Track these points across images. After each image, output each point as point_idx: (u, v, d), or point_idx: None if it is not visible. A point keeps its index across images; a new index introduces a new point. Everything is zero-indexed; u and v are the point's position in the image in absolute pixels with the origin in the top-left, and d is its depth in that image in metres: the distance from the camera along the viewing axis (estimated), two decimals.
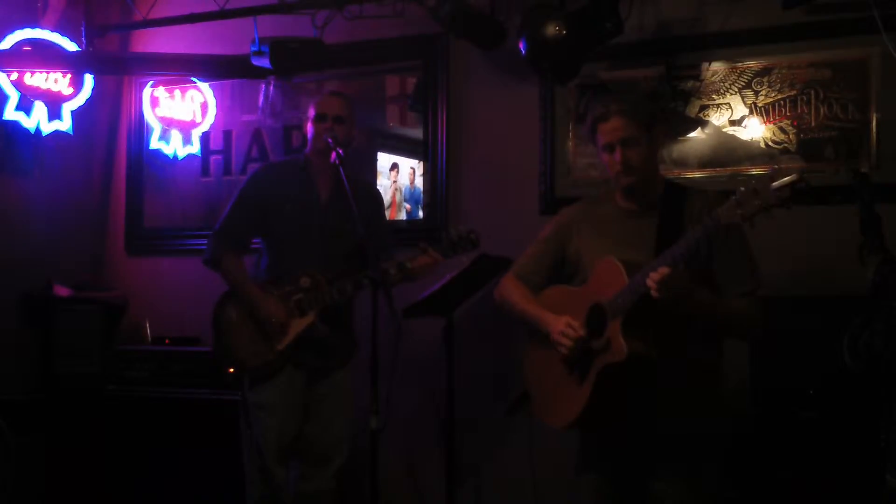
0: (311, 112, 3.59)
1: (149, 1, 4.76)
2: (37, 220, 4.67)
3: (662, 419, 2.60)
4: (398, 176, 4.61)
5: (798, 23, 3.77)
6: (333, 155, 3.40)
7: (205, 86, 4.94)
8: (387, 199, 4.53)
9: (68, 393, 4.43)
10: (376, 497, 3.15)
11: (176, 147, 4.94)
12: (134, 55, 4.99)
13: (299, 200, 3.59)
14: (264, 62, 4.08)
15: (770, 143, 3.85)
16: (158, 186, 5.06)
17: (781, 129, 3.84)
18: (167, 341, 4.57)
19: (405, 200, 4.58)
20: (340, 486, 3.66)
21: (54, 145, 4.74)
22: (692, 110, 3.99)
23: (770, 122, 3.86)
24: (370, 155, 4.61)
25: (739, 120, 3.91)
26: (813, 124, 3.78)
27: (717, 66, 3.94)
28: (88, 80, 4.75)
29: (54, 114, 4.63)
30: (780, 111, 3.85)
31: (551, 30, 3.74)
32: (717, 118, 3.95)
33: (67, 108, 4.68)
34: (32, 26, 4.52)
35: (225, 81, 4.92)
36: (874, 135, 3.68)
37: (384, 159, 4.63)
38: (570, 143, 4.20)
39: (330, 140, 3.44)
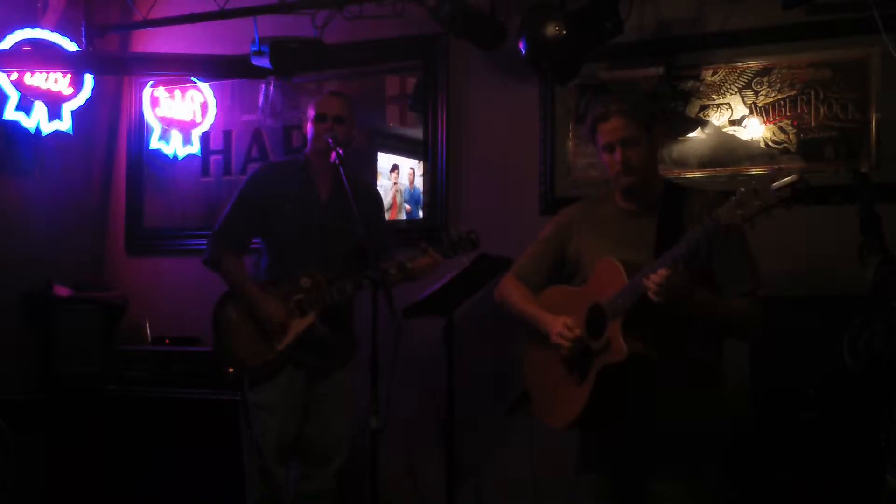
0: (311, 112, 3.59)
1: (149, 1, 4.76)
2: (37, 220, 4.67)
3: (662, 419, 2.60)
4: (399, 177, 4.61)
5: (798, 23, 3.77)
6: (333, 155, 3.40)
7: (205, 86, 4.94)
8: (387, 200, 4.53)
9: (68, 393, 4.43)
10: (376, 497, 3.15)
11: (176, 147, 4.94)
12: (134, 55, 4.99)
13: (299, 200, 3.59)
14: (264, 62, 4.08)
15: (770, 143, 3.85)
16: (158, 186, 5.06)
17: (781, 129, 3.84)
18: (167, 341, 4.57)
19: (405, 201, 4.58)
20: (340, 486, 3.66)
21: (54, 145, 4.74)
22: (692, 110, 3.99)
23: (770, 122, 3.86)
24: (370, 155, 4.61)
25: (739, 120, 3.91)
26: (813, 124, 3.78)
27: (717, 66, 3.94)
28: (88, 80, 4.75)
29: (54, 114, 4.63)
30: (780, 111, 3.85)
31: (551, 30, 3.74)
32: (717, 118, 3.95)
33: (67, 108, 4.69)
34: (32, 26, 4.52)
35: (225, 81, 4.92)
36: (874, 135, 3.67)
37: (385, 160, 4.63)
38: (570, 143, 4.20)
39: (330, 140, 3.44)
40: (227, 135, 4.95)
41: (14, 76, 4.44)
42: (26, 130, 4.53)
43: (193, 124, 4.95)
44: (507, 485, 4.20)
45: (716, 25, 3.94)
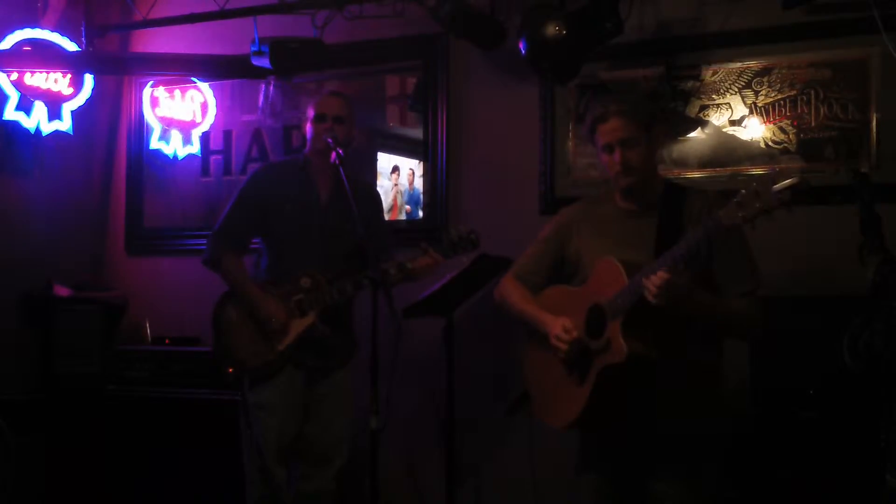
0: (311, 112, 3.59)
1: (149, 1, 4.76)
2: (37, 220, 4.67)
3: (662, 420, 2.60)
4: (399, 178, 4.61)
5: (798, 23, 3.77)
6: (333, 155, 3.40)
7: (205, 86, 4.94)
8: (388, 201, 4.53)
9: (68, 393, 4.42)
10: (376, 497, 3.15)
11: (176, 147, 4.94)
12: (134, 55, 4.99)
13: (299, 200, 3.59)
14: (264, 62, 4.08)
15: (770, 143, 3.85)
16: (158, 186, 5.06)
17: (781, 129, 3.84)
18: (167, 341, 4.57)
19: (405, 202, 4.58)
20: (340, 486, 3.66)
21: (54, 145, 4.74)
22: (692, 110, 3.99)
23: (770, 122, 3.86)
24: (370, 155, 4.61)
25: (739, 120, 3.91)
26: (813, 124, 3.78)
27: (717, 66, 3.94)
28: (88, 80, 4.75)
29: (54, 114, 4.63)
30: (780, 111, 3.84)
31: (551, 30, 3.74)
32: (717, 118, 3.95)
33: (67, 108, 4.68)
34: (32, 26, 4.52)
35: (225, 81, 4.92)
36: (874, 135, 3.67)
37: (385, 161, 4.63)
38: (570, 143, 4.20)
39: (330, 140, 3.44)
40: (227, 135, 4.95)
41: (14, 76, 4.44)
42: (26, 130, 4.53)
43: (193, 124, 4.95)
44: (507, 485, 4.20)
45: (716, 25, 3.94)
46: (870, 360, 2.79)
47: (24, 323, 4.54)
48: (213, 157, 4.97)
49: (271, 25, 4.33)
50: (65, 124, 4.67)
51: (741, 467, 3.23)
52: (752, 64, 3.89)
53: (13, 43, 4.43)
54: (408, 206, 4.57)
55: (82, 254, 4.99)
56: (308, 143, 3.63)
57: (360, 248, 3.32)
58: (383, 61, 4.62)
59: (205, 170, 4.98)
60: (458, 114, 4.43)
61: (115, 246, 5.11)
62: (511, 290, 2.90)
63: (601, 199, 2.86)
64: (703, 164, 3.97)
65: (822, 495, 3.15)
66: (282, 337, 3.46)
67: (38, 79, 4.53)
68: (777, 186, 2.25)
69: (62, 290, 4.58)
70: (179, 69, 4.77)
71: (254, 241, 3.72)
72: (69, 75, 4.65)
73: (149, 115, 4.96)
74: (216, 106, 4.96)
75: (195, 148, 4.95)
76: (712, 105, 3.96)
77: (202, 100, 4.95)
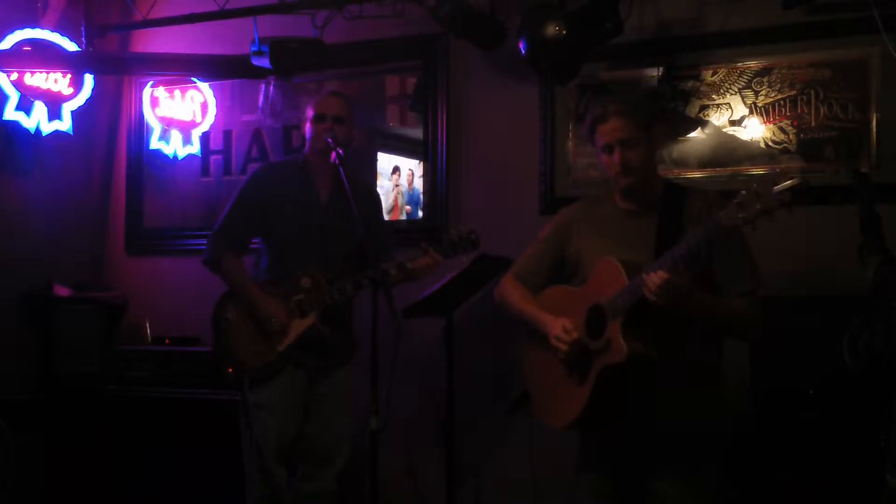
0: (310, 112, 3.59)
1: (149, 1, 4.76)
2: (37, 220, 4.67)
3: (662, 419, 2.60)
4: (400, 179, 4.60)
5: (798, 23, 3.77)
6: (333, 155, 3.40)
7: (205, 86, 4.94)
8: (389, 201, 4.53)
9: (68, 393, 4.42)
10: (376, 497, 3.15)
11: (176, 147, 4.94)
12: (134, 55, 4.99)
13: (299, 200, 3.59)
14: (264, 62, 4.08)
15: (770, 143, 3.85)
16: (158, 186, 5.06)
17: (781, 129, 3.84)
18: (167, 341, 4.57)
19: (405, 203, 4.58)
20: (341, 486, 3.66)
21: (54, 145, 4.74)
22: (692, 110, 3.99)
23: (770, 122, 3.86)
24: (370, 155, 4.61)
25: (739, 120, 3.91)
26: (813, 124, 3.78)
27: (717, 66, 3.94)
28: (88, 80, 4.75)
29: (54, 114, 4.63)
30: (780, 111, 3.84)
31: (551, 30, 3.74)
32: (717, 118, 3.95)
33: (67, 108, 4.68)
34: (32, 26, 4.52)
35: (225, 81, 4.92)
36: (874, 135, 3.67)
37: (386, 162, 4.63)
38: (570, 143, 4.20)
39: (330, 140, 3.44)
40: (227, 135, 4.95)
41: (14, 76, 4.44)
42: (26, 130, 4.53)
43: (193, 124, 4.95)
44: (507, 485, 4.20)
45: (716, 25, 3.94)
46: (870, 360, 2.79)
47: (24, 323, 4.54)
48: (213, 157, 4.97)
49: (271, 25, 4.33)
50: (65, 124, 4.67)
51: (741, 467, 3.23)
52: (752, 64, 3.89)
53: (13, 43, 4.43)
54: (408, 207, 4.57)
55: (82, 254, 4.99)
56: (307, 143, 3.63)
57: (360, 248, 3.32)
58: (383, 61, 4.62)
59: (205, 170, 4.98)
60: (458, 114, 4.43)
61: (115, 246, 5.11)
62: (511, 290, 2.90)
63: (601, 199, 2.86)
64: (703, 164, 3.97)
65: (822, 495, 3.15)
66: (282, 337, 3.46)
67: (38, 79, 4.53)
68: (777, 187, 2.25)
69: (62, 290, 4.58)
70: (179, 69, 4.77)
71: (254, 241, 3.72)
72: (69, 75, 4.65)
73: (149, 115, 4.96)
74: (216, 106, 4.96)
75: (195, 148, 4.95)
76: (712, 105, 3.96)
77: (202, 100, 4.95)
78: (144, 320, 4.74)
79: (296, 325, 3.47)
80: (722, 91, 3.94)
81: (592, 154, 3.85)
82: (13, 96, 4.45)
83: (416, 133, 4.53)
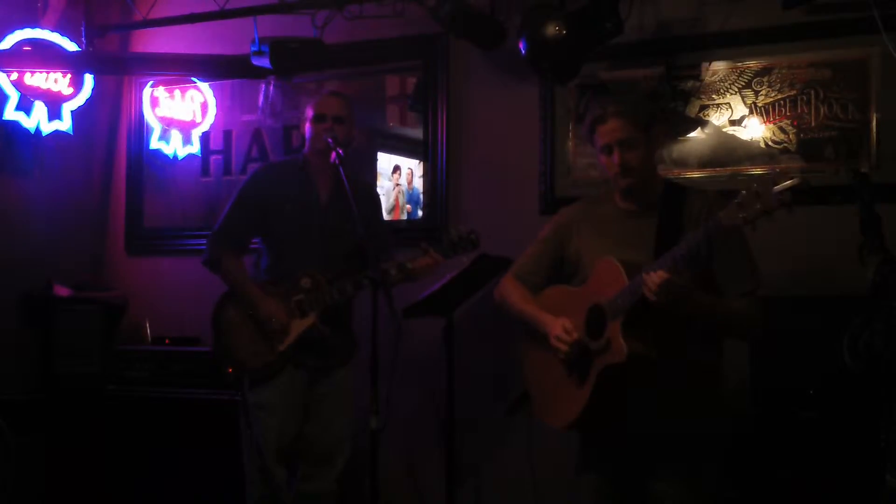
0: (310, 112, 3.59)
1: (149, 1, 4.76)
2: (37, 220, 4.67)
3: (662, 419, 2.60)
4: (400, 178, 4.61)
5: (798, 23, 3.77)
6: (333, 155, 3.40)
7: (205, 86, 4.94)
8: (390, 201, 4.54)
9: (68, 393, 4.42)
10: (376, 497, 3.15)
11: (176, 147, 4.94)
12: (134, 55, 4.99)
13: (299, 200, 3.59)
14: (264, 62, 4.08)
15: (770, 143, 3.85)
16: (158, 186, 5.06)
17: (781, 129, 3.84)
18: (167, 341, 4.56)
19: (406, 202, 4.58)
20: (341, 486, 3.66)
21: (54, 145, 4.74)
22: (692, 110, 3.99)
23: (770, 122, 3.86)
24: (370, 155, 4.61)
25: (739, 120, 3.91)
26: (813, 124, 3.78)
27: (718, 66, 3.94)
28: (88, 80, 4.75)
29: (54, 114, 4.63)
30: (780, 111, 3.84)
31: (551, 30, 3.74)
32: (717, 118, 3.95)
33: (67, 108, 4.68)
34: (32, 26, 4.52)
35: (225, 81, 4.92)
36: (874, 135, 3.67)
37: (386, 161, 4.63)
38: (570, 143, 4.20)
39: (330, 140, 3.44)
40: (227, 135, 4.95)
41: (14, 76, 4.44)
42: (26, 130, 4.53)
43: (193, 124, 4.95)
44: (507, 485, 4.20)
45: (716, 25, 3.94)
46: (870, 360, 2.79)
47: (24, 323, 4.54)
48: (213, 157, 4.97)
49: (271, 25, 4.33)
50: (65, 124, 4.67)
51: (741, 467, 3.23)
52: (752, 64, 3.89)
53: (13, 43, 4.43)
54: (408, 206, 4.57)
55: (82, 254, 4.99)
56: (307, 144, 3.63)
57: (360, 248, 3.32)
58: (383, 61, 4.62)
59: (205, 170, 4.98)
60: (458, 114, 4.43)
61: (115, 246, 5.11)
62: (511, 290, 2.90)
63: (601, 199, 2.86)
64: (703, 164, 3.96)
65: (822, 495, 3.15)
66: (282, 337, 3.46)
67: (38, 79, 4.53)
68: (777, 187, 2.25)
69: (62, 290, 4.58)
70: (179, 69, 4.77)
71: (254, 241, 3.72)
72: (69, 75, 4.65)
73: (149, 115, 4.96)
74: (216, 106, 4.96)
75: (195, 148, 4.95)
76: (712, 105, 3.96)
77: (202, 100, 4.95)
78: (144, 320, 4.74)
79: (296, 325, 3.47)
80: (722, 91, 3.94)
81: (592, 154, 3.83)
82: (13, 96, 4.45)
83: (416, 133, 4.53)
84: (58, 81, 4.63)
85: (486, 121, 4.39)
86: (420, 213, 4.52)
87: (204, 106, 4.95)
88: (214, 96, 4.96)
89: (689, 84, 3.99)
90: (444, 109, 4.43)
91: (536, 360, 2.84)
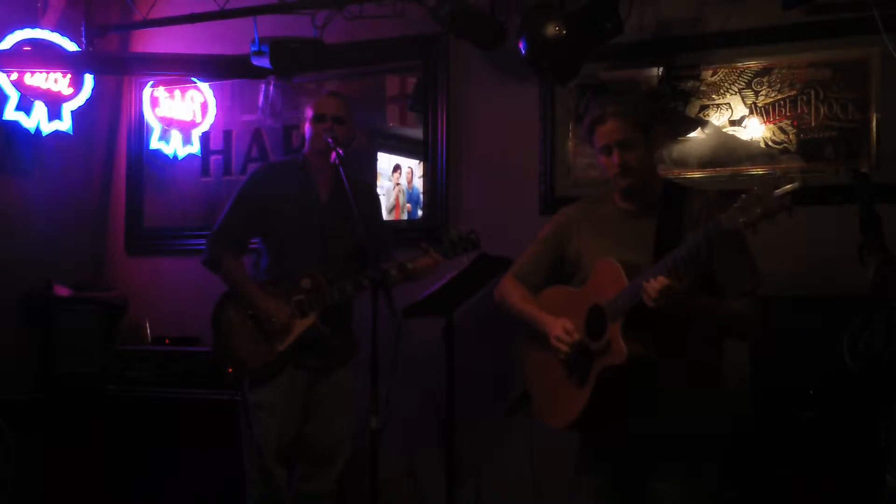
0: (309, 112, 3.59)
1: (149, 1, 4.76)
2: (37, 220, 4.67)
3: (662, 419, 2.60)
4: (401, 177, 4.61)
5: (798, 23, 3.77)
6: (333, 155, 3.40)
7: (205, 86, 4.94)
8: (391, 200, 4.54)
9: (68, 393, 4.42)
10: (376, 497, 3.15)
11: (176, 147, 4.94)
12: (134, 55, 4.99)
13: (299, 201, 3.59)
14: (264, 62, 4.08)
15: (770, 143, 3.85)
16: (158, 186, 5.06)
17: (781, 129, 3.84)
18: (167, 341, 4.57)
19: (406, 201, 4.58)
20: (341, 486, 3.66)
21: (54, 145, 4.74)
22: (692, 110, 3.99)
23: (770, 122, 3.86)
24: (370, 155, 4.61)
25: (739, 120, 3.91)
26: (813, 124, 3.78)
27: (717, 66, 3.94)
28: (88, 80, 4.75)
29: (54, 114, 4.63)
30: (780, 111, 3.84)
31: (551, 30, 3.74)
32: (717, 118, 3.95)
33: (67, 108, 4.68)
34: (32, 26, 4.52)
35: (225, 81, 4.92)
36: (874, 135, 3.67)
37: (386, 161, 4.63)
38: (570, 143, 4.20)
39: (330, 140, 3.44)
40: (227, 135, 4.95)
41: (14, 76, 4.44)
42: (26, 130, 4.53)
43: (193, 124, 4.95)
44: (507, 485, 4.20)
45: (716, 25, 3.94)
46: (870, 360, 2.80)
47: (24, 323, 4.54)
48: (213, 157, 4.97)
49: (271, 25, 4.33)
50: (65, 124, 4.67)
51: (741, 467, 3.23)
52: (752, 64, 3.89)
53: (13, 43, 4.43)
54: (408, 206, 4.58)
55: (82, 254, 4.99)
56: (307, 144, 3.63)
57: (360, 248, 3.32)
58: (383, 61, 4.62)
59: (205, 170, 4.98)
60: (458, 114, 4.43)
61: (115, 246, 5.12)
62: (511, 290, 2.90)
63: (601, 199, 2.86)
64: (703, 164, 3.97)
65: (822, 495, 3.15)
66: (282, 337, 3.46)
67: (38, 79, 4.53)
68: (779, 191, 2.25)
69: (62, 290, 4.58)
70: (179, 69, 4.77)
71: (253, 241, 3.72)
72: (69, 75, 4.65)
73: (149, 115, 4.96)
74: (216, 106, 4.96)
75: (195, 148, 4.95)
76: (712, 105, 3.96)
77: (202, 100, 4.95)
78: (144, 320, 4.74)
79: (296, 325, 3.47)
80: (722, 91, 3.94)
81: (592, 154, 3.81)
82: (13, 96, 4.45)
83: (416, 133, 4.53)
84: (58, 81, 4.63)
85: (486, 121, 4.39)
86: (420, 212, 4.52)
87: (204, 106, 4.95)
88: (214, 96, 4.96)
89: (689, 84, 3.99)
90: (444, 109, 4.43)
91: (536, 361, 2.84)
